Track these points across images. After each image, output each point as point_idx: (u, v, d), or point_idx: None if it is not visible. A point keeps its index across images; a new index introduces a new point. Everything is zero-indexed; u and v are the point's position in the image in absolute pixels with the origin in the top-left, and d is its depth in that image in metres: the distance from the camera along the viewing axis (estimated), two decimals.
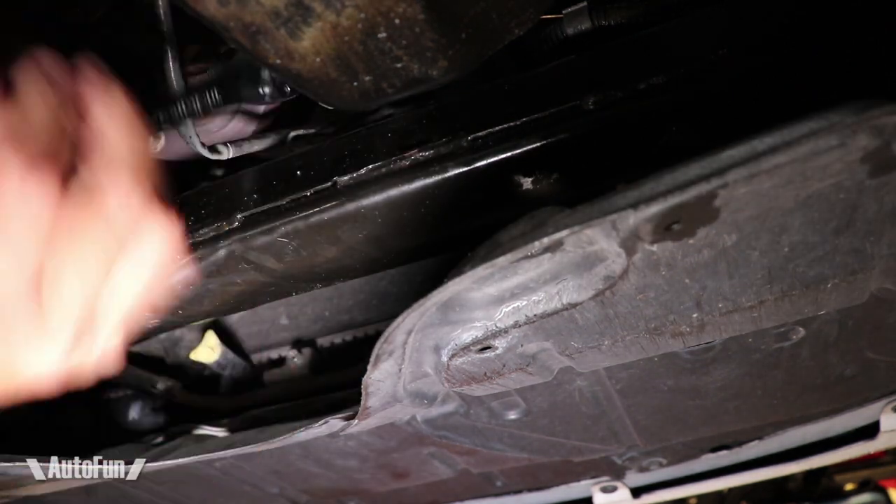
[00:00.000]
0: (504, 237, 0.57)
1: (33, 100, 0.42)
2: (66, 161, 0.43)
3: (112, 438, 1.27)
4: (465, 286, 0.62)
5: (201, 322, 1.22)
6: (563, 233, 0.52)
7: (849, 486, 2.71)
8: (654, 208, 0.50)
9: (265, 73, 0.72)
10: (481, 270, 0.56)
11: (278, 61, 0.62)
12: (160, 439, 1.20)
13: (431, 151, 0.75)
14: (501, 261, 0.54)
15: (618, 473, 1.41)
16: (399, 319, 0.62)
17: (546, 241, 0.53)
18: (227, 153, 0.90)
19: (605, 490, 1.47)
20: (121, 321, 0.49)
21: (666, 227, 0.54)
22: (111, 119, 0.46)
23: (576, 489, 1.48)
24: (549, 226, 0.53)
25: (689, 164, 0.49)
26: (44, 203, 0.40)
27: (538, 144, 0.70)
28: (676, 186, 0.49)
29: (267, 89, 0.73)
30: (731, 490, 2.68)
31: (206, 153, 0.86)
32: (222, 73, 0.72)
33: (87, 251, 0.43)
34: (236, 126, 0.93)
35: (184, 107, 0.67)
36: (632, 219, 0.53)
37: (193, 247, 0.83)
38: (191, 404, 1.31)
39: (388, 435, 1.15)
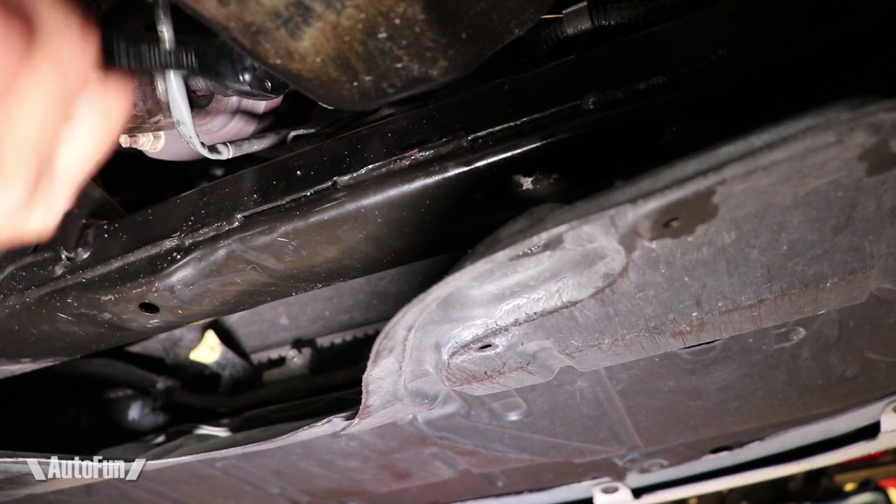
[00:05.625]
0: (503, 233, 0.57)
1: None
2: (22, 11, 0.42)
3: (112, 438, 1.27)
4: (464, 282, 0.62)
5: (201, 322, 1.22)
6: (562, 228, 0.52)
7: (849, 487, 2.71)
8: (653, 204, 0.50)
9: (248, 60, 0.72)
10: (481, 266, 0.56)
11: (278, 61, 0.62)
12: (161, 439, 1.20)
13: (431, 151, 0.75)
14: (500, 256, 0.55)
15: (619, 474, 1.41)
16: (399, 315, 0.62)
17: (545, 236, 0.53)
18: (227, 153, 0.91)
19: (606, 491, 1.47)
20: (74, 178, 0.48)
21: (664, 224, 0.54)
22: None
23: (577, 490, 1.48)
24: (549, 222, 0.53)
25: (687, 160, 0.49)
26: (10, 49, 0.40)
27: (538, 144, 0.71)
28: (674, 182, 0.49)
29: (247, 76, 0.72)
30: (731, 490, 2.68)
31: (206, 153, 0.87)
32: (207, 45, 0.71)
33: (45, 98, 0.43)
34: (236, 126, 0.93)
35: (156, 53, 0.62)
36: (630, 215, 0.53)
37: (193, 247, 0.83)
38: (191, 404, 1.31)
39: (389, 435, 1.15)
